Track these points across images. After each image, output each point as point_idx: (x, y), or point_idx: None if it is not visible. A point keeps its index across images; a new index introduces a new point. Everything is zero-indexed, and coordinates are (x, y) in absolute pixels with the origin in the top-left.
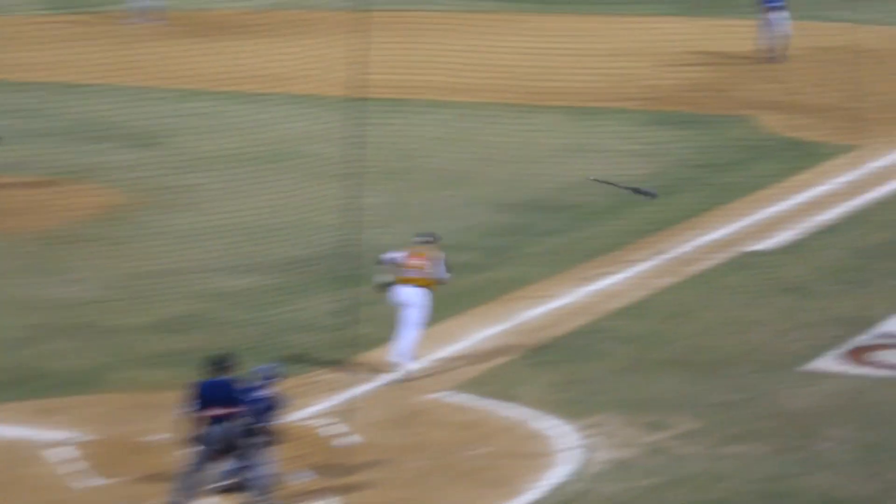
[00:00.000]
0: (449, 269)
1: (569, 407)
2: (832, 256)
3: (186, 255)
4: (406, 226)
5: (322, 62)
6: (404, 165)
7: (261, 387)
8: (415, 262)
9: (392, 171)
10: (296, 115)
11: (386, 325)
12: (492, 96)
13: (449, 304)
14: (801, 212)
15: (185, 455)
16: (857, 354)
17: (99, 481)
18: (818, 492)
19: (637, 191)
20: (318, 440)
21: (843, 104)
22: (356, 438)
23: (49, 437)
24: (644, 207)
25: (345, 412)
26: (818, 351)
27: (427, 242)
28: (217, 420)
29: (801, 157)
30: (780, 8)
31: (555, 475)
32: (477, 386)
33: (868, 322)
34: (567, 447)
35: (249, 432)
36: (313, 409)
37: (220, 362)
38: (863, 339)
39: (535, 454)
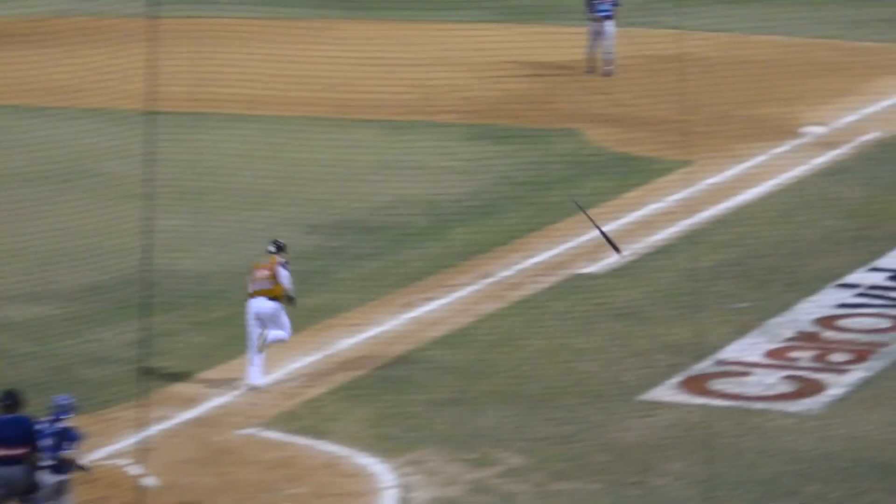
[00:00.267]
0: (285, 269)
1: (387, 443)
2: (665, 279)
3: None
4: (207, 249)
5: (114, 73)
6: (204, 185)
7: (55, 422)
8: (256, 274)
9: (191, 190)
10: (87, 131)
11: (184, 357)
12: (297, 110)
13: None
14: (632, 232)
15: None
16: (694, 383)
17: None
18: None
19: (607, 238)
20: (120, 480)
21: (672, 117)
22: (155, 480)
23: None
24: (465, 227)
25: (142, 451)
26: (652, 380)
27: (271, 252)
28: (8, 461)
29: (631, 173)
30: (609, 17)
31: None
32: (288, 421)
33: (704, 349)
34: (385, 486)
35: (44, 472)
36: (109, 449)
37: (4, 399)
38: (699, 367)
39: (350, 494)
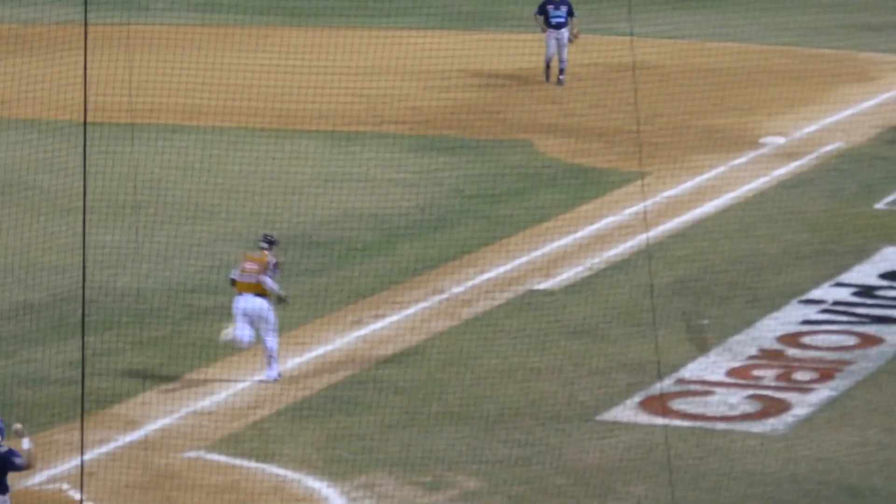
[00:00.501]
0: (274, 273)
1: (336, 466)
2: (623, 296)
3: None
4: (145, 265)
5: (45, 83)
6: (141, 198)
7: None
8: (246, 266)
9: (127, 204)
10: (18, 143)
11: (124, 378)
12: (237, 120)
13: (197, 353)
14: (587, 246)
15: None
16: (654, 403)
17: None
18: None
19: None
20: None
21: (627, 127)
22: None
23: None
24: (414, 242)
25: (82, 475)
26: (611, 400)
27: (262, 247)
28: None
29: (586, 185)
30: (564, 25)
31: None
32: (233, 444)
33: (664, 368)
34: None
35: None
36: (47, 473)
37: None
38: (659, 386)
39: None
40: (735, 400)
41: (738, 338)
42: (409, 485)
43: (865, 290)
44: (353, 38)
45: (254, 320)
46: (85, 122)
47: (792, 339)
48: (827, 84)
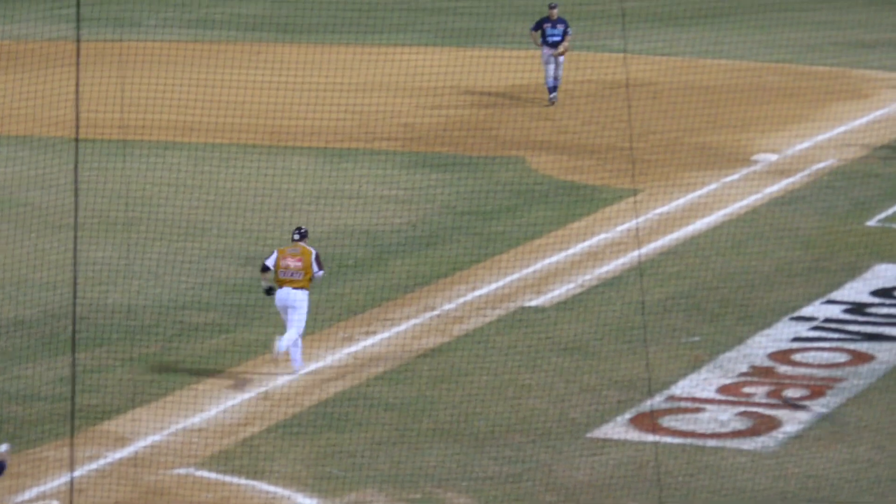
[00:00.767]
0: (321, 265)
1: (326, 483)
2: (614, 313)
3: None
4: (136, 282)
5: (37, 99)
6: (132, 215)
7: None
8: (286, 262)
9: (119, 221)
10: (10, 159)
11: (114, 394)
12: (229, 137)
13: (188, 369)
14: (579, 263)
15: None
16: (644, 420)
17: None
18: None
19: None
20: None
21: (620, 144)
22: None
23: None
24: (406, 259)
25: (72, 492)
26: (601, 417)
27: (296, 240)
28: None
29: (579, 202)
30: (559, 43)
31: None
32: (224, 461)
33: (654, 384)
34: None
35: None
36: (37, 490)
37: None
38: (649, 403)
39: None
40: (726, 417)
41: (729, 355)
42: (398, 502)
43: (857, 308)
44: (346, 54)
45: (289, 310)
46: (77, 139)
47: (783, 356)
48: (819, 101)
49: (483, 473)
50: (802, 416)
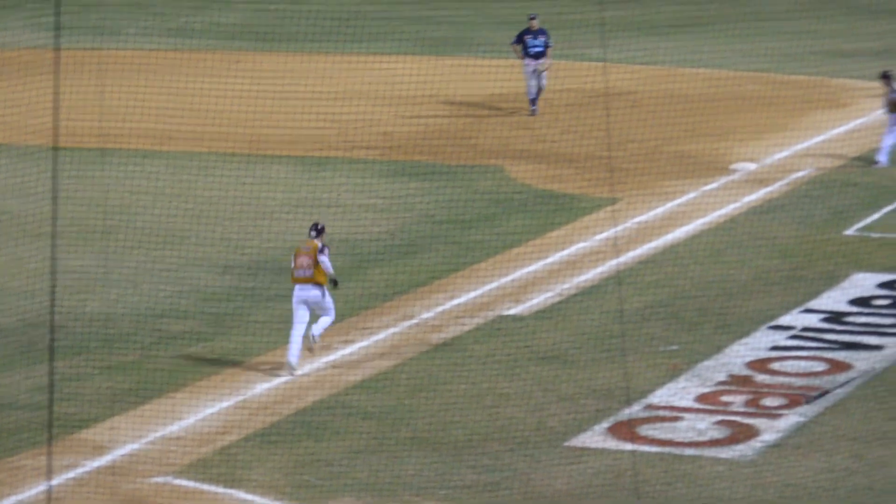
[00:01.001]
0: (322, 251)
1: (304, 491)
2: (592, 321)
3: None
4: (115, 291)
5: (16, 107)
6: (110, 223)
7: None
8: (299, 260)
9: (96, 229)
10: None
11: (92, 403)
12: (207, 145)
13: (166, 378)
14: (557, 272)
15: None
16: (622, 429)
17: None
18: None
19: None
20: None
21: (598, 153)
22: None
23: None
24: (384, 268)
25: (50, 501)
26: (579, 426)
27: (312, 237)
28: None
29: (557, 211)
30: (543, 54)
31: None
32: (202, 469)
33: (632, 393)
34: None
35: None
36: (14, 499)
37: None
38: (627, 412)
39: None
40: (704, 426)
41: (707, 363)
42: None
43: (835, 317)
44: (325, 63)
45: (311, 307)
46: (56, 147)
47: (761, 364)
48: (798, 110)
49: (461, 482)
50: (780, 424)
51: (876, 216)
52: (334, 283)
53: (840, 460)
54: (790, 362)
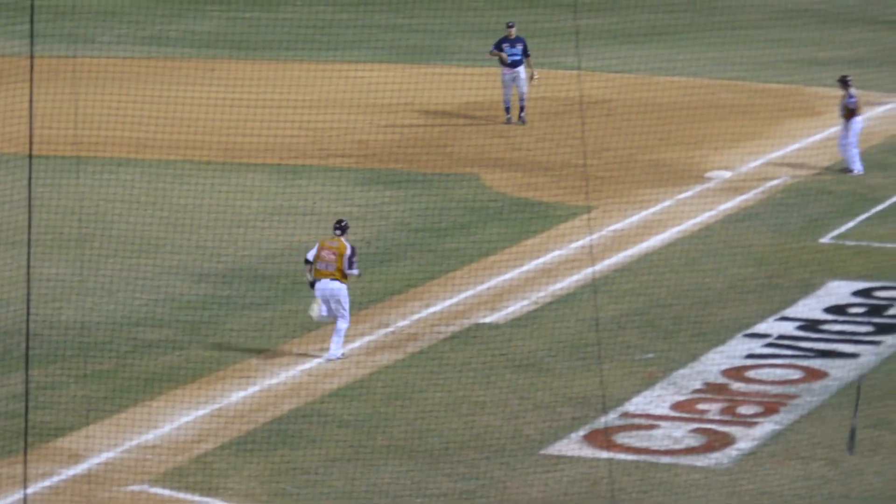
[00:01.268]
0: (352, 264)
1: (280, 500)
2: (568, 329)
3: None
4: (90, 299)
5: None
6: (85, 231)
7: None
8: (323, 253)
9: (71, 237)
10: None
11: (68, 411)
12: (183, 153)
13: (142, 386)
14: (533, 280)
15: None
16: (598, 437)
17: None
18: None
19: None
20: None
21: (573, 161)
22: None
23: None
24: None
25: None
26: (555, 434)
27: (336, 234)
28: None
29: (533, 219)
30: (520, 63)
31: None
32: (178, 478)
33: (608, 401)
34: None
35: None
36: None
37: None
38: (603, 420)
39: None
40: (679, 434)
41: (682, 371)
42: None
43: (810, 325)
44: (300, 71)
45: (330, 302)
46: (31, 155)
47: (737, 372)
48: (773, 119)
49: (437, 490)
50: (756, 432)
51: (851, 224)
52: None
53: (816, 468)
54: (766, 370)
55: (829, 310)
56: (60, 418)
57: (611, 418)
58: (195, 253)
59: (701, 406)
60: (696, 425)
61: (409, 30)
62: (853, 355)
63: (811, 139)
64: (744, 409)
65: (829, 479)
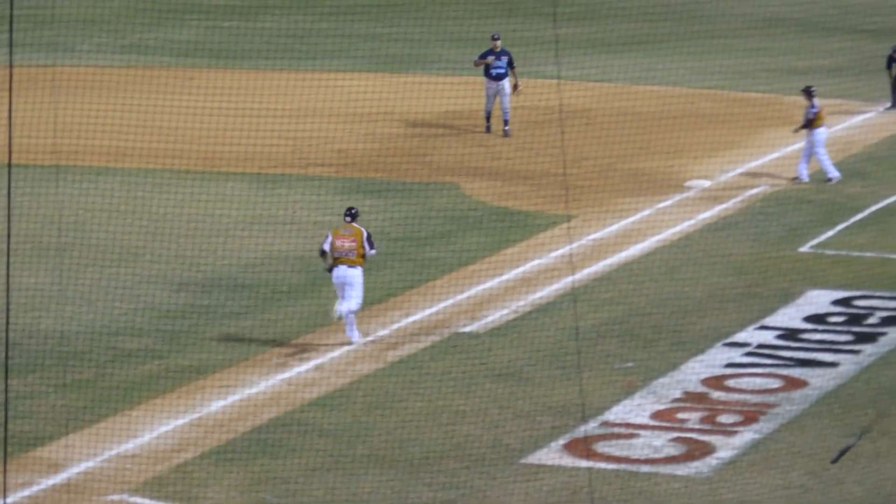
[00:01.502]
0: (372, 244)
1: None
2: (548, 338)
3: None
4: (69, 308)
5: None
6: (64, 240)
7: None
8: (340, 242)
9: (50, 246)
10: None
11: (47, 420)
12: (162, 162)
13: (121, 395)
14: (513, 289)
15: None
16: (578, 446)
17: None
18: None
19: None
20: None
21: (553, 170)
22: None
23: None
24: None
25: None
26: (535, 443)
27: (348, 221)
28: None
29: (512, 228)
30: (505, 76)
31: None
32: (157, 487)
33: (588, 410)
34: None
35: None
36: None
37: None
38: (583, 429)
39: None
40: (659, 443)
41: (662, 381)
42: None
43: (790, 334)
44: (279, 80)
45: (345, 286)
46: (10, 164)
47: (716, 381)
48: (752, 128)
49: (417, 499)
50: (736, 441)
51: (830, 233)
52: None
53: (796, 477)
54: (745, 379)
55: (808, 319)
56: (40, 428)
57: (591, 427)
58: (175, 262)
59: (681, 415)
60: (675, 434)
61: (388, 39)
62: (833, 364)
63: (790, 148)
64: (724, 418)
65: (809, 488)
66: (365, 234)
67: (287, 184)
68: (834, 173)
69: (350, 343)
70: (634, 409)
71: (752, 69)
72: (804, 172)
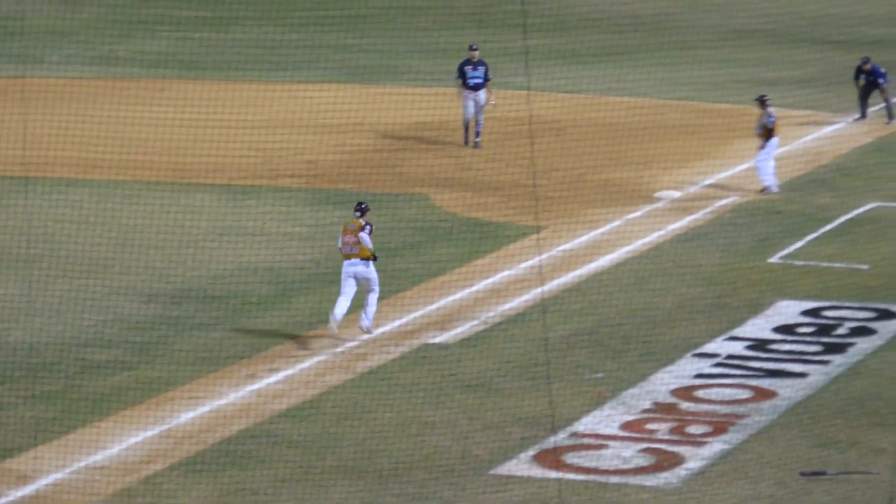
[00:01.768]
0: (366, 237)
1: None
2: (517, 349)
3: None
4: (39, 320)
5: None
6: (33, 252)
7: None
8: (344, 238)
9: (19, 258)
10: None
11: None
12: (132, 174)
13: (90, 407)
14: (483, 300)
15: None
16: (548, 457)
17: None
18: None
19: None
20: None
21: (523, 181)
22: None
23: None
24: (309, 296)
25: None
26: (505, 454)
27: (357, 216)
28: None
29: (482, 239)
30: (481, 87)
31: None
32: (127, 499)
33: (558, 421)
34: None
35: None
36: None
37: None
38: (553, 440)
39: None
40: (629, 453)
41: (632, 391)
42: None
43: (759, 344)
44: (249, 91)
45: (360, 280)
46: None
47: (686, 392)
48: (722, 139)
49: None
50: (705, 452)
51: (799, 244)
52: (374, 257)
53: (765, 488)
54: (715, 390)
55: (777, 329)
56: (8, 439)
57: (560, 438)
58: (144, 273)
59: (650, 426)
60: (645, 445)
61: (358, 50)
62: (802, 375)
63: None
64: (693, 429)
65: (778, 498)
66: (362, 224)
67: (257, 195)
68: (771, 182)
69: (362, 326)
70: (604, 419)
71: (721, 80)
72: (772, 182)
